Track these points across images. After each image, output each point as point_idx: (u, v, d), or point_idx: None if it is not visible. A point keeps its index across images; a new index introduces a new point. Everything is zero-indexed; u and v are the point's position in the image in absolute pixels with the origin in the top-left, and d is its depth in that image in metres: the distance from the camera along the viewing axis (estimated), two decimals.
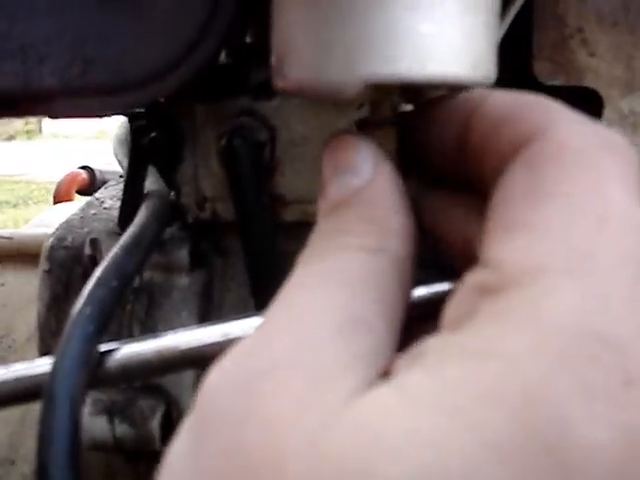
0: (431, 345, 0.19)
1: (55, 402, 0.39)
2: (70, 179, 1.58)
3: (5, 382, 0.42)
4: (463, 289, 0.20)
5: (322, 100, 0.47)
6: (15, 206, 6.13)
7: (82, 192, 1.46)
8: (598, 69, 0.47)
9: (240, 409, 0.19)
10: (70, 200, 1.50)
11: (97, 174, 1.31)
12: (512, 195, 0.21)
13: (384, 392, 0.18)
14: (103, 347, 0.41)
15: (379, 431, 0.17)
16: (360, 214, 0.24)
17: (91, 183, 1.33)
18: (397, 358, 0.20)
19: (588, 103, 0.47)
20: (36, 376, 0.42)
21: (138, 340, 0.41)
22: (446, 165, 0.26)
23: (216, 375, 0.20)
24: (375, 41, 0.25)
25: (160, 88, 0.44)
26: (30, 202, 6.21)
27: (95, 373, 0.41)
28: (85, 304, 0.41)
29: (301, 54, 0.26)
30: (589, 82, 0.47)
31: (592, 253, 0.19)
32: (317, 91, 0.26)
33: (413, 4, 0.24)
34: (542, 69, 0.47)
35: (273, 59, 0.28)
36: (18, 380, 0.42)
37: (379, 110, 0.28)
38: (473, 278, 0.20)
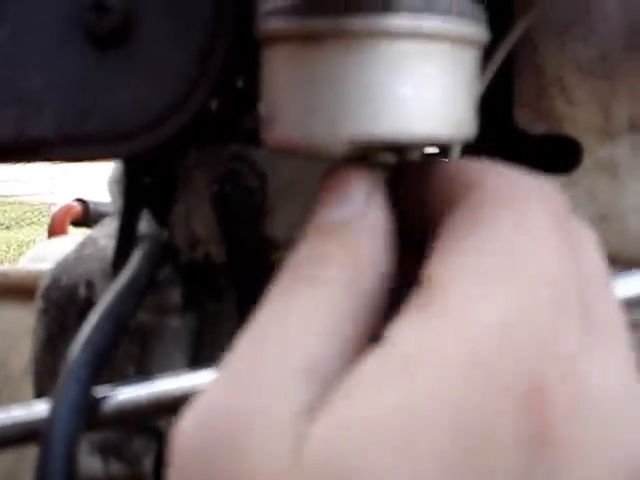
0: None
1: (52, 448, 0.40)
2: (64, 211, 1.60)
3: (2, 426, 0.43)
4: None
5: (309, 158, 0.48)
6: (8, 228, 6.11)
7: (76, 223, 1.48)
8: (577, 117, 0.49)
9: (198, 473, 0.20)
10: (64, 231, 1.53)
11: (91, 206, 1.33)
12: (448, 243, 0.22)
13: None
14: (99, 392, 0.43)
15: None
16: (343, 245, 0.23)
17: (85, 215, 1.36)
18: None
19: (567, 151, 0.48)
20: (33, 420, 0.43)
21: (133, 384, 0.42)
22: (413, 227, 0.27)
23: (180, 436, 0.21)
24: (356, 104, 0.26)
25: (155, 138, 0.45)
26: (23, 224, 6.19)
27: (91, 417, 0.42)
28: (81, 351, 0.43)
29: (288, 114, 0.27)
30: (568, 130, 0.49)
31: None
32: (303, 150, 0.28)
33: (392, 68, 0.26)
34: (523, 118, 0.49)
35: (263, 116, 0.29)
36: (15, 425, 0.43)
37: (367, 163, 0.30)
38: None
